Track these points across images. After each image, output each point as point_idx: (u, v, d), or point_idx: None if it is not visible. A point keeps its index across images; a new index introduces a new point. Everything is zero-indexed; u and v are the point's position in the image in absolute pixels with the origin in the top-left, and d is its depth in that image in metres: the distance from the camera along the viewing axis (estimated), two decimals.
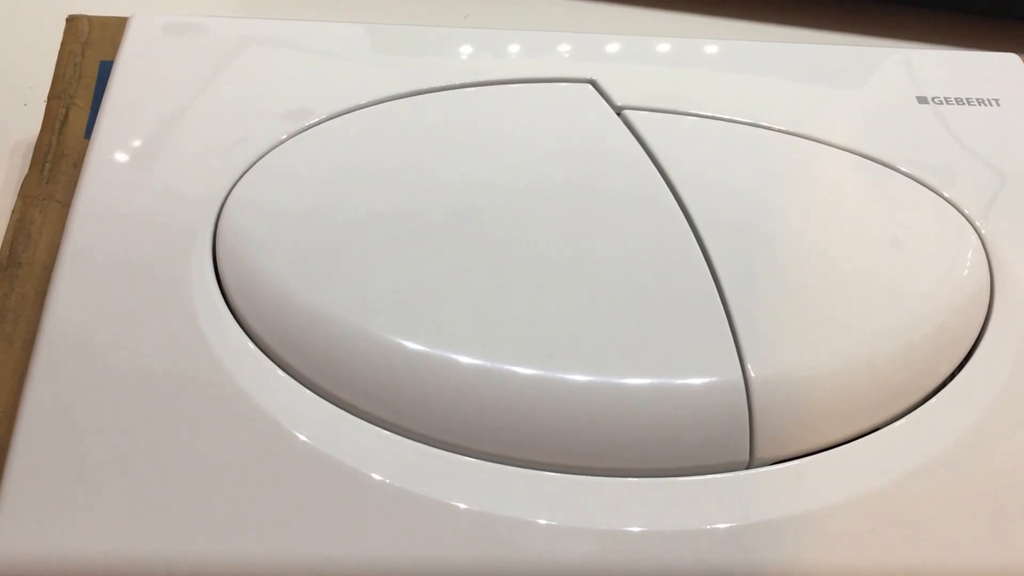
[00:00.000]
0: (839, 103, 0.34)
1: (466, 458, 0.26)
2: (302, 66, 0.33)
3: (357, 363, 0.26)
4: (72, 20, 0.37)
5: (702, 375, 0.27)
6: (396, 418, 0.26)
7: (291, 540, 0.24)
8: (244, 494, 0.24)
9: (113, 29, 0.36)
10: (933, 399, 0.28)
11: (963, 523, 0.25)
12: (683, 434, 0.26)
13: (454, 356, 0.26)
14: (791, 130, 0.33)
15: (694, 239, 0.29)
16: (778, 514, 0.25)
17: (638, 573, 0.24)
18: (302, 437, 0.25)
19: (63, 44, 0.36)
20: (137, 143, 0.30)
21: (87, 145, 0.31)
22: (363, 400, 0.26)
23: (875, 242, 0.30)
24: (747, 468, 0.26)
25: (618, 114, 0.33)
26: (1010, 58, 0.37)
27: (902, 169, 0.33)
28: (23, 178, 0.33)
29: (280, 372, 0.27)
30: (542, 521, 0.25)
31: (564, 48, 0.35)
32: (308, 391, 0.26)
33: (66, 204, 0.31)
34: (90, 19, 0.37)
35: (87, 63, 0.36)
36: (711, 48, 0.36)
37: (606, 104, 0.33)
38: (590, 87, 0.34)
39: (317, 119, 0.32)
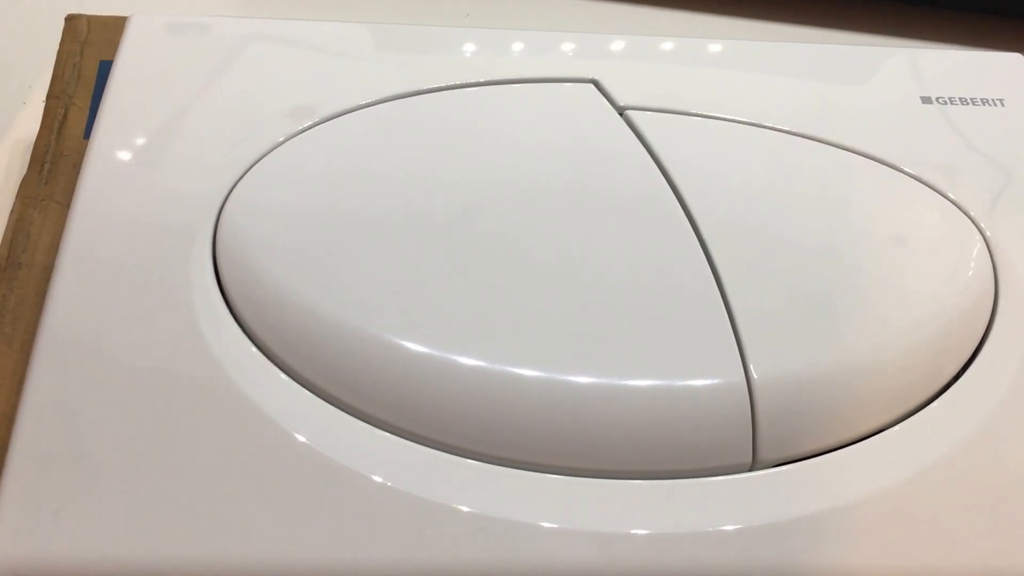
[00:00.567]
0: (842, 103, 0.34)
1: (466, 460, 0.26)
2: (301, 66, 0.33)
3: (357, 365, 0.26)
4: (71, 19, 0.37)
5: (704, 377, 0.26)
6: (397, 420, 0.26)
7: (290, 543, 0.24)
8: (243, 496, 0.24)
9: (112, 28, 0.36)
10: (937, 401, 0.28)
11: (968, 525, 0.25)
12: (685, 436, 0.26)
13: (454, 357, 0.26)
14: (794, 130, 0.33)
15: (696, 240, 0.29)
16: (781, 516, 0.25)
17: (641, 575, 0.24)
18: (301, 439, 0.25)
19: (62, 44, 0.36)
20: (136, 143, 0.30)
21: (86, 145, 0.30)
22: (363, 402, 0.26)
23: (878, 243, 0.30)
24: (750, 470, 0.26)
25: (620, 114, 0.33)
26: (1015, 58, 0.37)
27: (906, 170, 0.32)
28: (22, 179, 0.33)
29: (280, 374, 0.27)
30: (543, 523, 0.25)
31: (566, 47, 0.35)
32: (308, 393, 0.26)
33: (65, 205, 0.31)
34: (89, 18, 0.37)
35: (86, 63, 0.36)
36: (714, 48, 0.36)
37: (608, 104, 0.33)
38: (592, 87, 0.34)
39: (317, 119, 0.31)
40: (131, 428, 0.25)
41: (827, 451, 0.27)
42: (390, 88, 0.33)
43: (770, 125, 0.33)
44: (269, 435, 0.25)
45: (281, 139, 0.31)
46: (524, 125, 0.32)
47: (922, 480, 0.26)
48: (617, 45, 0.35)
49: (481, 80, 0.33)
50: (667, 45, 0.36)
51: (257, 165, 0.30)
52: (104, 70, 0.35)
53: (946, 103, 0.35)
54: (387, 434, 0.26)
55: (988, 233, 0.31)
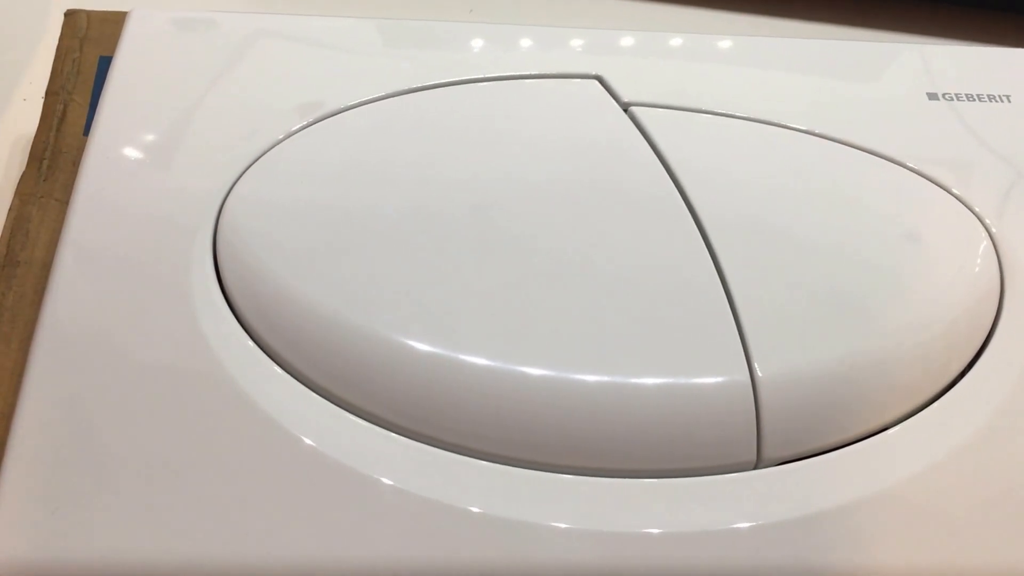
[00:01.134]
0: (848, 99, 0.34)
1: (470, 459, 0.26)
2: (303, 61, 0.33)
3: (359, 362, 0.26)
4: (70, 15, 0.37)
5: (709, 375, 0.26)
6: (399, 418, 0.26)
7: (290, 542, 0.24)
8: (243, 495, 0.24)
9: (112, 24, 0.36)
10: (942, 398, 0.28)
11: (973, 522, 0.25)
12: (690, 434, 0.26)
13: (457, 355, 0.26)
14: (799, 127, 0.33)
15: (701, 237, 0.29)
16: (786, 514, 0.25)
17: (645, 574, 0.24)
18: (302, 437, 0.25)
19: (61, 39, 0.36)
20: (136, 140, 0.30)
21: (86, 142, 0.30)
22: (365, 400, 0.26)
23: (884, 240, 0.30)
24: (754, 468, 0.26)
25: (625, 110, 0.33)
26: (1022, 54, 0.37)
27: (912, 166, 0.32)
28: (20, 175, 0.33)
29: (280, 371, 0.27)
30: (548, 522, 0.24)
31: (570, 43, 0.35)
32: (309, 390, 0.26)
33: (64, 202, 0.31)
34: (88, 14, 0.37)
35: (85, 58, 0.36)
36: (719, 44, 0.36)
37: (613, 100, 0.33)
38: (596, 83, 0.33)
39: (319, 115, 0.31)
40: (131, 426, 0.25)
41: (832, 449, 0.27)
42: (393, 84, 0.32)
43: (775, 122, 0.33)
44: (269, 433, 0.25)
45: (283, 135, 0.31)
46: (528, 121, 0.32)
47: (927, 478, 0.26)
48: (622, 41, 0.35)
49: (484, 76, 0.33)
50: (672, 41, 0.35)
51: (259, 161, 0.30)
52: (104, 66, 0.35)
53: (952, 99, 0.34)
54: (389, 432, 0.26)
55: (994, 230, 0.31)
